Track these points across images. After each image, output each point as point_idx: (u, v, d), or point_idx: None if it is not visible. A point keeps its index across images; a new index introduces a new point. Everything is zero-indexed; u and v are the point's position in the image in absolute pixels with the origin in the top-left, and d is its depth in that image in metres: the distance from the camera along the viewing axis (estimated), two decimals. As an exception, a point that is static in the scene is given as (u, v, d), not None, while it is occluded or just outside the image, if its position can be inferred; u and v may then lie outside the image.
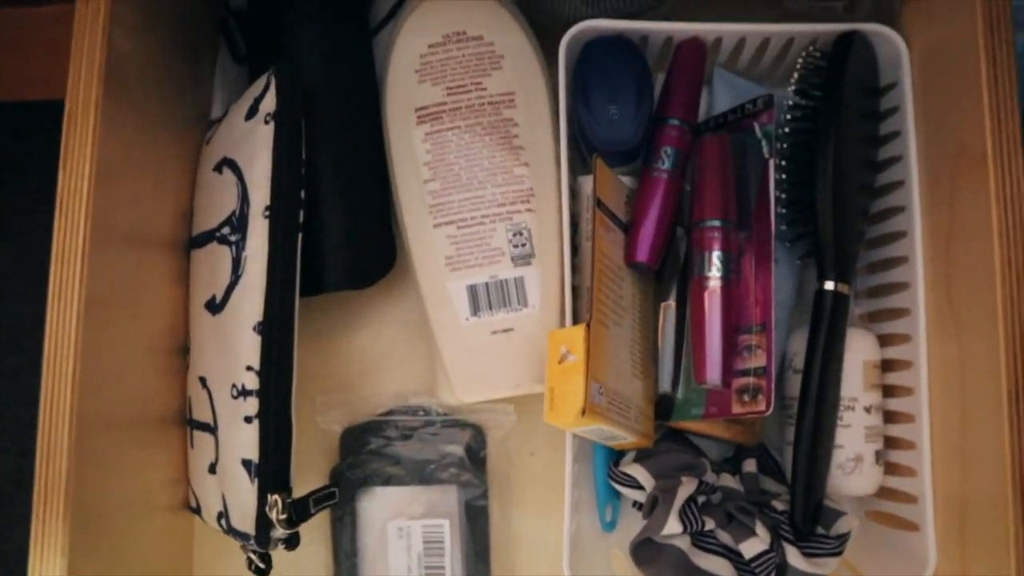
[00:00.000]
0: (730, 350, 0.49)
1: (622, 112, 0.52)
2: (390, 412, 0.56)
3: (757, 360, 0.49)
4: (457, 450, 0.56)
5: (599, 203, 0.49)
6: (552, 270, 0.51)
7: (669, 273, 0.54)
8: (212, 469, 0.51)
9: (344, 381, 0.58)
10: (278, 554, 0.55)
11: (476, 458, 0.56)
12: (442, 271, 0.52)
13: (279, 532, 0.48)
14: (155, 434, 0.53)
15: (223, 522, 0.50)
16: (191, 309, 0.54)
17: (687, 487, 0.50)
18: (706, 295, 0.50)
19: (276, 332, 0.48)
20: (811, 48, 0.54)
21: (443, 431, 0.56)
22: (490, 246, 0.51)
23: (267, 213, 0.48)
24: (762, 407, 0.48)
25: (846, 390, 0.52)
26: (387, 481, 0.56)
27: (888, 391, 0.54)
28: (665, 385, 0.52)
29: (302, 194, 0.50)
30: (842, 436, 0.52)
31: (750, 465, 0.54)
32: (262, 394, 0.47)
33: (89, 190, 0.45)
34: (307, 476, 0.56)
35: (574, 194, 0.54)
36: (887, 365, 0.54)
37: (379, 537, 0.55)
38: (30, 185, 1.01)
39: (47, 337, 0.44)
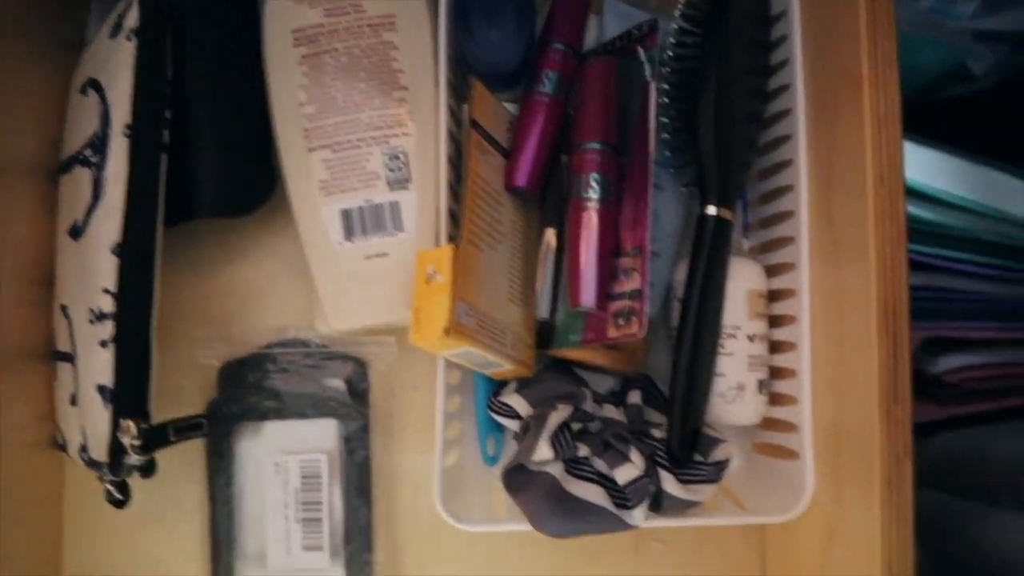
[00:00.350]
0: (606, 274, 0.48)
1: (503, 35, 0.51)
2: (269, 346, 0.54)
3: (632, 283, 0.48)
4: (338, 384, 0.54)
5: (475, 125, 0.48)
6: (429, 195, 0.50)
7: (553, 200, 0.53)
8: (73, 400, 0.49)
9: (223, 315, 0.56)
10: (154, 494, 0.54)
11: (357, 392, 0.55)
12: (316, 195, 0.50)
13: (133, 459, 0.46)
14: (19, 368, 0.51)
15: (84, 455, 0.48)
16: (57, 237, 0.52)
17: (560, 413, 0.49)
18: (582, 217, 0.49)
19: (134, 254, 0.46)
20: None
21: (324, 364, 0.54)
22: (366, 170, 0.50)
23: (128, 132, 0.46)
24: (634, 329, 0.47)
25: (729, 318, 0.52)
26: (265, 416, 0.54)
27: (775, 322, 0.54)
28: (543, 311, 0.51)
29: (166, 113, 0.48)
30: (724, 364, 0.52)
31: (635, 396, 0.53)
32: (118, 317, 0.45)
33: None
34: (184, 412, 0.54)
35: (459, 122, 0.53)
36: (775, 296, 0.54)
37: (256, 473, 0.54)
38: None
39: None
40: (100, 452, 0.46)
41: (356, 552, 0.54)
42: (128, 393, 0.46)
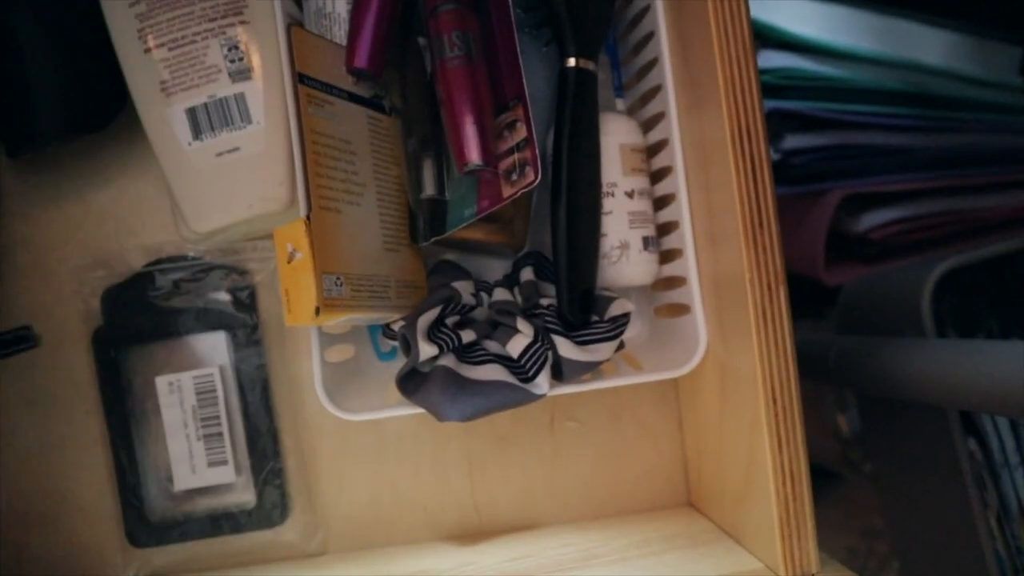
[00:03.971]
0: (488, 131, 0.46)
1: (333, -92, 0.49)
2: (147, 266, 0.53)
3: (518, 135, 0.46)
4: (221, 296, 0.53)
5: (303, 78, 0.46)
6: (274, 83, 0.48)
7: (414, 88, 0.51)
8: None
9: (96, 242, 0.54)
10: (52, 429, 0.53)
11: (242, 302, 0.53)
12: (159, 97, 0.48)
13: None
14: None
15: None
16: None
17: (428, 314, 0.48)
18: (450, 75, 0.46)
19: None
20: None
21: (204, 278, 0.53)
22: (205, 64, 0.48)
23: None
24: (531, 178, 0.45)
25: (605, 176, 0.50)
26: (152, 337, 0.53)
27: (654, 178, 0.52)
28: (430, 189, 0.49)
29: None
30: (605, 224, 0.50)
31: (527, 274, 0.52)
32: None
33: None
34: (70, 344, 0.53)
35: (300, 6, 0.51)
36: (653, 150, 0.52)
37: (150, 395, 0.53)
38: None
39: None
40: None
41: (262, 462, 0.53)
42: None
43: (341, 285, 0.45)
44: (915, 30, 0.77)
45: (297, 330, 0.55)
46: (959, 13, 0.79)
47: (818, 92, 0.76)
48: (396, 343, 0.52)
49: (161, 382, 0.52)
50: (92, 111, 0.50)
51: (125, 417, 0.53)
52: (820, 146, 0.75)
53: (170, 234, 0.54)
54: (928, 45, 0.77)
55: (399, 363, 0.54)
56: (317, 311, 0.43)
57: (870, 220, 0.74)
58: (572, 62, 0.48)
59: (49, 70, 0.49)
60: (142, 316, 0.53)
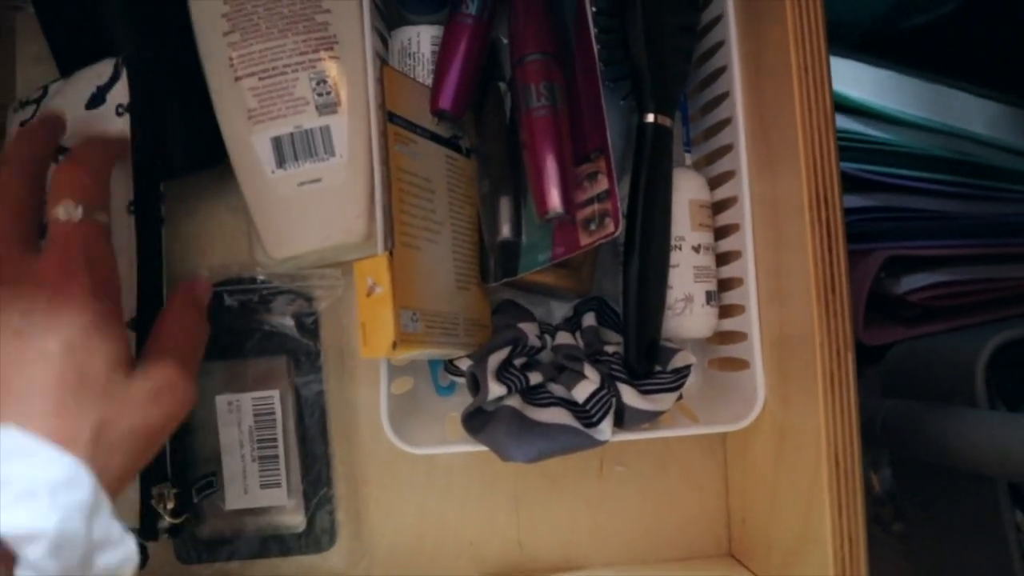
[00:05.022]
0: (569, 180, 0.47)
1: (426, -46, 0.50)
2: (215, 285, 0.54)
3: (599, 186, 0.47)
4: (286, 320, 0.54)
5: (392, 117, 0.47)
6: (359, 118, 0.49)
7: (493, 131, 0.52)
8: None
9: (167, 258, 0.55)
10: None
11: (306, 327, 0.54)
12: (246, 125, 0.49)
13: (165, 523, 0.48)
14: None
15: None
16: None
17: (498, 355, 0.49)
18: (536, 125, 0.48)
19: (150, 328, 0.46)
20: None
21: (270, 301, 0.54)
22: (293, 96, 0.49)
23: (131, 209, 0.47)
24: (611, 229, 0.46)
25: (673, 230, 0.51)
26: (215, 355, 0.54)
27: (720, 233, 0.53)
28: (506, 232, 0.50)
29: (162, 187, 0.50)
30: (671, 277, 0.51)
31: (589, 319, 0.53)
32: None
33: None
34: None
35: (385, 42, 0.52)
36: (719, 207, 0.53)
37: (208, 413, 0.53)
38: None
39: None
40: (127, 518, 0.47)
41: (315, 487, 0.54)
42: (154, 461, 0.46)
43: (417, 321, 0.46)
44: (962, 99, 0.79)
45: (356, 358, 0.56)
46: (1006, 85, 0.80)
47: (866, 154, 0.78)
48: (456, 378, 0.52)
49: (221, 401, 0.53)
50: (215, 146, 0.51)
51: (182, 435, 0.53)
52: (866, 207, 0.76)
53: (240, 256, 0.55)
54: (975, 114, 0.78)
55: (457, 398, 0.55)
56: (394, 345, 0.44)
57: (910, 283, 0.75)
58: (651, 118, 0.50)
59: (176, 112, 0.51)
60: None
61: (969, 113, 0.79)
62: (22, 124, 0.51)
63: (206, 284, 0.49)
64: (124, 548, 0.35)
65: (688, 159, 0.56)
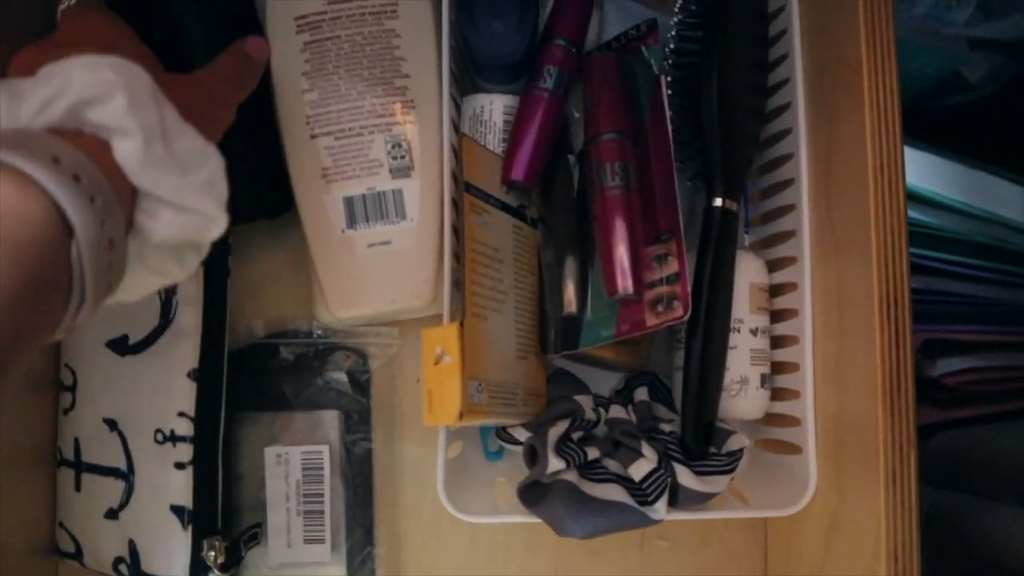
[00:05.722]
0: (640, 261, 0.48)
1: (505, 27, 0.51)
2: (271, 336, 0.54)
3: (669, 268, 0.48)
4: (339, 375, 0.54)
5: (468, 187, 0.48)
6: (432, 183, 0.50)
7: (560, 203, 0.53)
8: (112, 514, 0.50)
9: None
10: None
11: (359, 383, 0.54)
12: (318, 182, 0.50)
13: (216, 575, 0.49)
14: (11, 473, 0.50)
15: (123, 568, 0.50)
16: (78, 343, 0.52)
17: (558, 428, 0.49)
18: (609, 204, 0.48)
19: (211, 379, 0.48)
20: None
21: (325, 356, 0.54)
22: (368, 157, 0.50)
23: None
24: (679, 312, 0.46)
25: (733, 312, 0.52)
26: (267, 406, 0.54)
27: (776, 316, 0.54)
28: (570, 306, 0.50)
29: (230, 239, 0.50)
30: (728, 358, 0.51)
31: (641, 393, 0.53)
32: (196, 440, 0.48)
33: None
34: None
35: (459, 108, 0.53)
36: (776, 290, 0.54)
37: (256, 463, 0.53)
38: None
39: None
40: (174, 568, 0.48)
41: (358, 545, 0.54)
42: (206, 513, 0.48)
43: (481, 391, 0.46)
44: (1002, 186, 0.80)
45: (405, 417, 0.56)
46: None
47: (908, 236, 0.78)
48: (506, 444, 0.52)
49: (270, 453, 0.53)
50: (280, 196, 0.52)
51: (231, 481, 0.53)
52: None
53: (298, 308, 0.55)
54: (1014, 202, 0.79)
55: (505, 463, 0.54)
56: (460, 415, 0.44)
57: (946, 366, 0.76)
58: (719, 202, 0.50)
59: (243, 160, 0.50)
60: (260, 385, 0.54)
61: (1008, 200, 0.80)
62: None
63: (264, 45, 0.49)
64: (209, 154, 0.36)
65: (746, 240, 0.57)
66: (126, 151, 0.33)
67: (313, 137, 0.50)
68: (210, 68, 0.44)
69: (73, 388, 0.52)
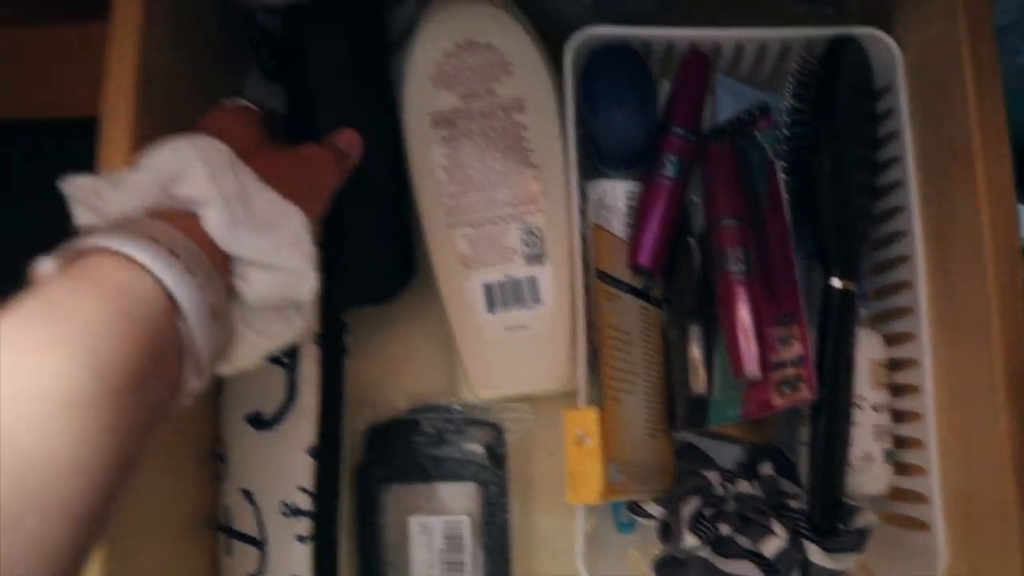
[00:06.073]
0: (765, 344, 0.50)
1: (627, 118, 0.54)
2: (413, 411, 0.57)
3: (793, 351, 0.50)
4: (477, 448, 0.57)
5: (601, 275, 0.51)
6: (563, 269, 0.53)
7: (683, 284, 0.55)
8: None
9: (368, 380, 0.59)
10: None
11: (496, 456, 0.57)
12: (459, 270, 0.53)
13: None
14: (183, 538, 0.54)
15: None
16: (227, 417, 0.55)
17: (691, 505, 0.51)
18: (733, 289, 0.51)
19: (328, 455, 0.51)
20: (806, 54, 0.55)
21: (464, 429, 0.57)
22: (504, 245, 0.53)
23: (318, 340, 0.51)
24: (806, 394, 0.49)
25: (854, 389, 0.53)
26: (410, 478, 0.57)
27: (895, 391, 0.55)
28: (697, 387, 0.53)
29: (347, 319, 0.54)
30: (851, 435, 0.53)
31: (766, 468, 0.55)
32: (315, 515, 0.50)
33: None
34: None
35: (584, 195, 0.56)
36: (894, 365, 0.55)
37: (401, 532, 0.56)
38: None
39: None
40: None
41: (494, 611, 0.56)
42: None
43: (620, 472, 0.48)
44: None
45: (540, 490, 0.58)
46: None
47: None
48: (637, 517, 0.54)
49: (414, 522, 0.56)
50: (391, 284, 0.56)
51: (375, 550, 0.56)
52: None
53: (434, 385, 0.58)
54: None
55: (635, 535, 0.57)
56: (601, 495, 0.47)
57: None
58: (838, 283, 0.52)
59: (363, 250, 0.55)
60: (403, 457, 0.57)
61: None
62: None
63: (357, 140, 0.51)
64: (290, 213, 0.39)
65: (862, 312, 0.58)
66: (211, 219, 0.35)
67: (452, 226, 0.54)
68: (301, 148, 0.46)
69: (225, 459, 0.56)
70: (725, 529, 0.51)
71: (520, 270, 0.53)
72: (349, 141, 0.50)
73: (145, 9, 0.48)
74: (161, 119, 0.49)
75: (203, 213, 0.36)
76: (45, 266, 0.32)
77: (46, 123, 0.82)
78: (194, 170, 0.36)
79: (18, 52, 0.76)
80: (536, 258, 0.53)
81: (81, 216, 0.37)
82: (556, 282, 0.53)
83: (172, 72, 0.52)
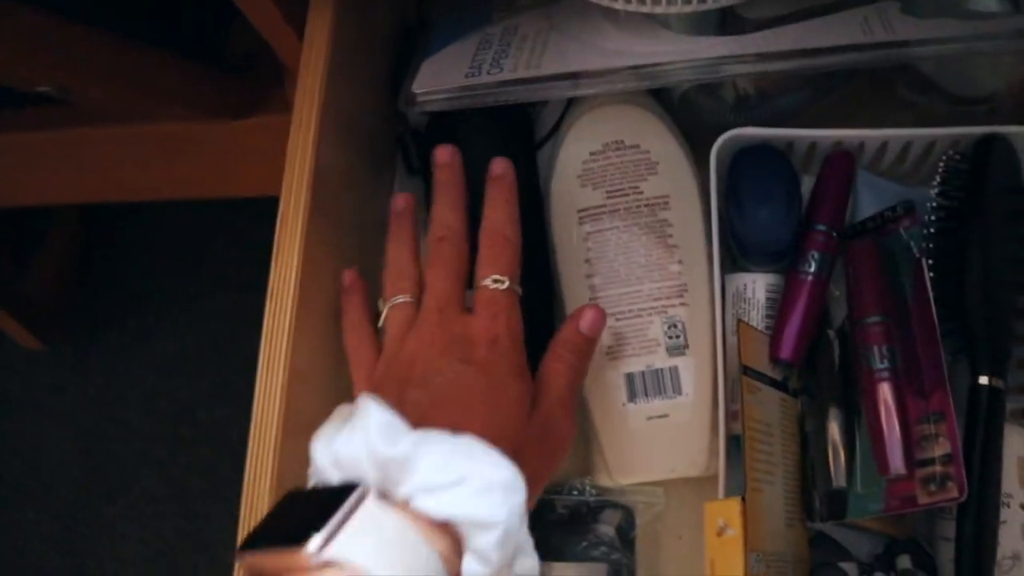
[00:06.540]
0: (911, 442, 0.51)
1: (772, 216, 0.55)
2: (549, 493, 0.59)
3: (940, 448, 0.50)
4: (608, 530, 0.58)
5: (746, 370, 0.52)
6: (704, 360, 0.55)
7: (823, 375, 0.56)
8: None
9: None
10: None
11: (626, 538, 0.58)
12: (602, 360, 0.56)
13: None
14: None
15: None
16: None
17: None
18: (879, 386, 0.52)
19: None
20: (951, 151, 0.56)
21: (596, 512, 0.59)
22: (647, 337, 0.55)
23: None
24: (955, 494, 0.48)
25: (1002, 486, 0.53)
26: (543, 557, 0.58)
27: (1045, 490, 0.54)
28: (839, 481, 0.53)
29: None
30: (999, 534, 0.52)
31: (904, 561, 0.54)
32: None
33: (296, 279, 0.52)
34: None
35: (723, 287, 0.58)
36: (1044, 464, 0.54)
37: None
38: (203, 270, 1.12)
39: (255, 403, 0.49)
40: None
41: None
42: None
43: (759, 562, 0.49)
44: None
45: (665, 572, 0.59)
46: None
47: None
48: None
49: (545, 600, 0.58)
50: None
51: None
52: None
53: (572, 469, 0.60)
54: None
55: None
56: (745, 587, 0.47)
57: None
58: (985, 380, 0.52)
59: None
60: (538, 537, 0.58)
61: None
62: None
63: (599, 319, 0.51)
64: (532, 559, 0.40)
65: (1009, 409, 0.58)
66: (471, 572, 0.36)
67: (596, 319, 0.56)
68: (550, 376, 0.48)
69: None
70: (865, 625, 0.51)
71: (662, 361, 0.55)
72: (593, 323, 0.51)
73: (321, 112, 0.53)
74: (328, 207, 0.54)
75: (467, 565, 0.36)
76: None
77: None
78: (492, 531, 0.35)
79: (164, 143, 0.87)
80: (678, 349, 0.55)
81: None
82: (697, 373, 0.55)
83: (339, 166, 0.57)
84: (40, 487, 1.16)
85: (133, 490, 1.14)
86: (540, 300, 0.58)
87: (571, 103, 0.62)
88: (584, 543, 0.59)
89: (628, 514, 0.59)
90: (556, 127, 0.62)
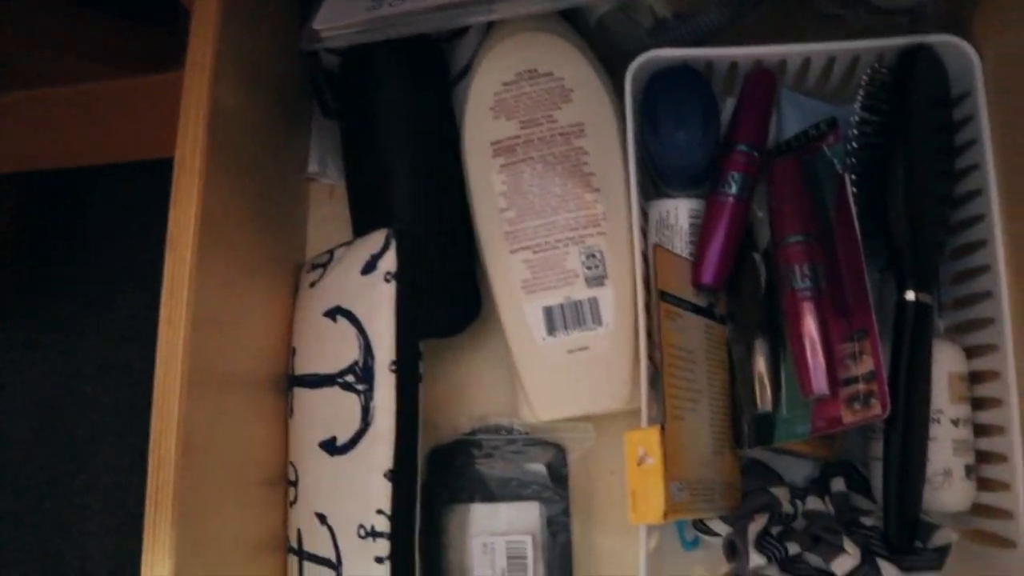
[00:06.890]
0: (834, 361, 0.49)
1: (689, 138, 0.54)
2: (474, 432, 0.58)
3: (864, 366, 0.49)
4: (539, 468, 0.57)
5: (663, 295, 0.51)
6: (625, 290, 0.53)
7: (748, 300, 0.54)
8: None
9: (430, 403, 0.60)
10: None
11: (558, 476, 0.57)
12: (519, 294, 0.54)
13: None
14: (252, 562, 0.55)
15: None
16: (297, 444, 0.57)
17: (757, 523, 0.50)
18: (801, 306, 0.50)
19: (406, 478, 0.51)
20: (876, 64, 0.54)
21: (525, 450, 0.58)
22: (564, 268, 0.54)
23: (393, 367, 0.52)
24: (878, 411, 0.47)
25: (932, 403, 0.51)
26: (472, 498, 0.58)
27: (978, 404, 0.53)
28: (764, 404, 0.52)
29: (421, 346, 0.54)
30: (929, 450, 0.51)
31: (839, 484, 0.54)
32: (392, 536, 0.51)
33: (196, 226, 0.50)
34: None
35: (645, 216, 0.56)
36: (976, 377, 0.53)
37: (464, 552, 0.57)
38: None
39: (149, 472, 0.47)
40: None
41: (559, 632, 0.56)
42: None
43: (683, 490, 0.48)
44: None
45: (600, 508, 0.58)
46: None
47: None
48: (702, 534, 0.54)
49: (476, 542, 0.57)
50: (458, 318, 0.57)
51: (438, 569, 0.57)
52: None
53: (495, 406, 0.59)
54: None
55: (700, 552, 0.56)
56: (665, 515, 0.46)
57: None
58: (912, 295, 0.51)
59: (430, 284, 0.55)
60: (464, 478, 0.58)
61: None
62: (311, 285, 0.58)
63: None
64: None
65: (941, 327, 0.56)
66: None
67: (512, 252, 0.54)
68: None
69: (296, 484, 0.58)
70: (794, 548, 0.50)
71: (581, 292, 0.53)
72: None
73: (215, 55, 0.51)
74: (230, 155, 0.52)
75: None
76: None
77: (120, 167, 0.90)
78: None
79: (96, 103, 0.84)
80: (597, 280, 0.53)
81: None
82: (617, 303, 0.53)
83: (241, 111, 0.54)
84: (0, 465, 1.15)
85: (94, 462, 1.13)
86: (455, 238, 0.56)
87: (485, 36, 0.59)
88: (514, 483, 0.58)
89: (559, 451, 0.58)
90: (470, 62, 0.59)
